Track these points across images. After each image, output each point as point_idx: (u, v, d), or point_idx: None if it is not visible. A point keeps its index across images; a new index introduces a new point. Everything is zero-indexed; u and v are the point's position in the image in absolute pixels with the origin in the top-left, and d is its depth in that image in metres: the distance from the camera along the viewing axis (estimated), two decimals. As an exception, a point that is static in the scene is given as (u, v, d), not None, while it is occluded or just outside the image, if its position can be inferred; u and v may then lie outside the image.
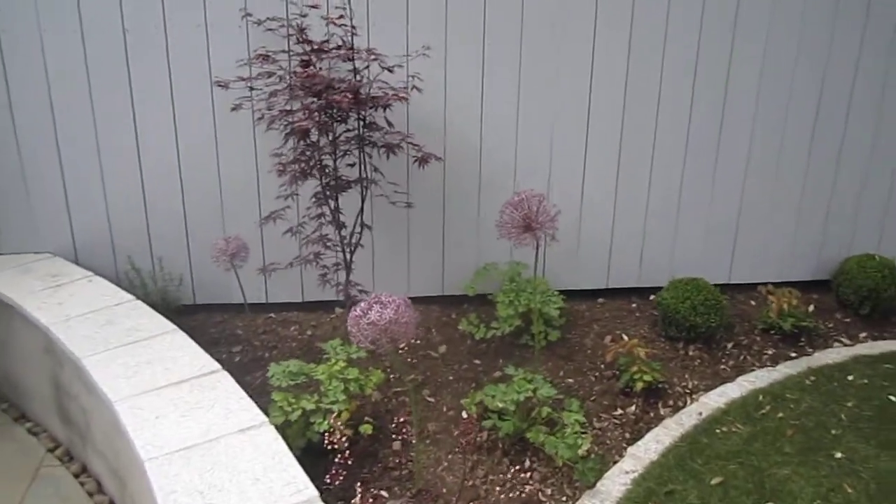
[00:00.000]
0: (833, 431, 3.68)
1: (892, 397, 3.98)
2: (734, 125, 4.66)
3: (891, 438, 3.64)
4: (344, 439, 2.86)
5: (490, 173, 4.51)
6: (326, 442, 2.87)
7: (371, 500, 2.79)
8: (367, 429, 3.32)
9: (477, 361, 4.17)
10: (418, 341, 4.34)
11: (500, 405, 3.33)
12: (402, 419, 3.42)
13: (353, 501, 2.87)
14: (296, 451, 3.17)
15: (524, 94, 4.39)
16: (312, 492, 2.43)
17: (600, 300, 4.90)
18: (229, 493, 2.43)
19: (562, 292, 4.67)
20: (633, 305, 4.87)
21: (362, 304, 2.80)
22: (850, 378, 4.16)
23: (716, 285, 4.86)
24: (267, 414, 3.23)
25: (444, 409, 3.75)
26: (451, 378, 4.01)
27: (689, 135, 4.64)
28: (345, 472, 2.81)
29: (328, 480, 2.80)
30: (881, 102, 4.77)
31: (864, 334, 4.69)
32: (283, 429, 3.23)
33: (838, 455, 3.51)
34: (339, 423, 3.00)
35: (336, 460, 2.80)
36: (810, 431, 3.68)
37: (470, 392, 3.69)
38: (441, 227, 4.58)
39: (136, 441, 2.73)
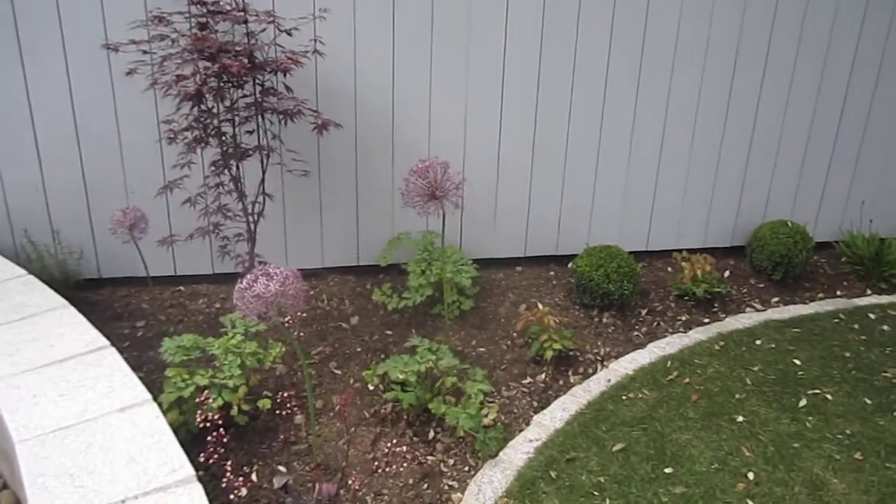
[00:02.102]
0: (737, 396, 3.73)
1: (796, 361, 4.05)
2: (650, 96, 4.65)
3: (791, 401, 3.70)
4: (217, 417, 2.77)
5: (403, 142, 4.42)
6: (199, 420, 2.78)
7: (241, 478, 2.71)
8: (265, 403, 3.24)
9: (388, 332, 4.11)
10: (333, 312, 4.26)
11: (401, 377, 3.28)
12: (303, 393, 3.35)
13: (224, 478, 2.80)
14: (194, 427, 3.10)
15: (437, 59, 4.29)
16: (189, 471, 2.35)
17: (518, 268, 4.87)
18: (101, 475, 2.33)
19: (479, 261, 4.64)
20: (551, 273, 4.85)
21: (248, 277, 2.70)
22: (759, 343, 4.21)
23: (634, 252, 4.89)
24: (161, 390, 3.14)
25: (351, 381, 3.69)
26: (359, 350, 3.94)
27: (604, 105, 4.60)
28: (222, 451, 2.72)
29: (202, 460, 2.70)
30: (792, 73, 4.80)
31: (776, 299, 4.76)
32: (178, 405, 3.15)
33: (740, 419, 3.55)
34: (208, 401, 2.90)
35: (210, 439, 2.70)
36: (715, 396, 3.72)
37: (372, 364, 3.62)
38: (354, 196, 4.48)
39: (10, 422, 2.61)
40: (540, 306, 4.40)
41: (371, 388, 3.57)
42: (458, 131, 4.47)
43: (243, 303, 2.67)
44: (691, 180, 4.93)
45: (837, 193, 5.23)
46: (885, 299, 4.80)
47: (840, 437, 3.46)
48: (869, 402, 3.73)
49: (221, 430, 2.72)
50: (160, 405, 2.97)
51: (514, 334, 4.13)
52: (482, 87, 4.40)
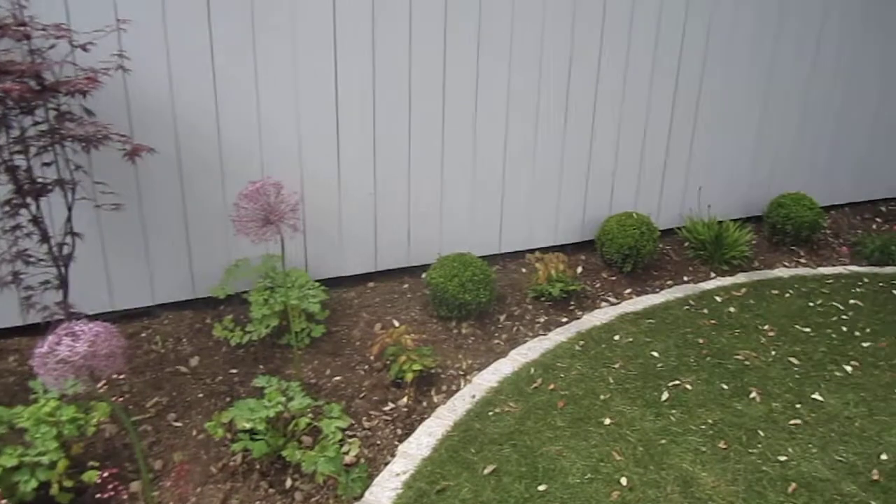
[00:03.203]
0: (602, 397, 3.67)
1: (654, 353, 4.06)
2: (490, 96, 4.53)
3: (654, 395, 3.68)
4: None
5: (233, 160, 4.05)
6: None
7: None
8: (91, 476, 2.81)
9: (233, 371, 3.75)
10: (169, 354, 3.84)
11: (248, 425, 2.95)
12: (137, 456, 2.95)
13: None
14: (5, 513, 2.64)
15: (261, 66, 3.95)
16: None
17: (371, 284, 4.63)
18: None
19: (328, 281, 4.38)
20: (405, 286, 4.64)
21: (50, 338, 2.30)
22: (617, 338, 4.19)
23: (487, 256, 4.79)
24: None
25: (194, 434, 3.31)
26: (201, 395, 3.56)
27: (444, 107, 4.44)
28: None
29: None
30: (626, 67, 4.84)
31: (628, 290, 4.79)
32: (-16, 491, 2.68)
33: (607, 422, 3.48)
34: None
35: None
36: (580, 400, 3.64)
37: (216, 413, 3.26)
38: (184, 224, 4.06)
39: None
40: (396, 324, 4.19)
41: (217, 438, 3.21)
42: (293, 144, 4.16)
43: (46, 370, 2.27)
44: (537, 178, 4.87)
45: (676, 181, 5.35)
46: (728, 281, 4.94)
47: (703, 427, 3.47)
48: (725, 387, 3.78)
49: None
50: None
51: (372, 358, 3.88)
52: (314, 92, 4.11)
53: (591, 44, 4.69)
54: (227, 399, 3.52)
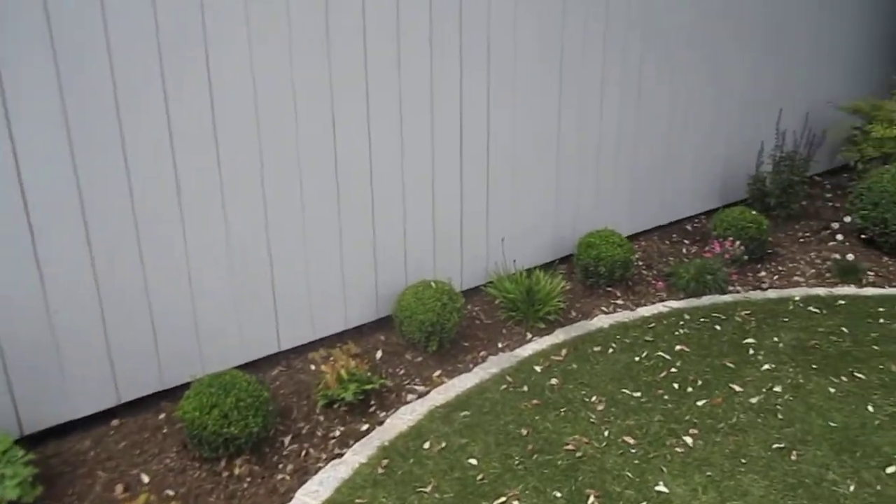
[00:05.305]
0: (413, 541, 2.91)
1: (472, 460, 3.36)
2: (227, 134, 3.67)
3: (477, 527, 2.98)
4: None
5: None
6: None
7: None
8: None
9: None
10: None
11: None
12: None
13: None
14: None
15: None
16: None
17: (115, 423, 3.60)
18: None
19: (52, 431, 3.37)
20: (161, 417, 3.66)
21: None
22: (427, 446, 3.46)
23: (267, 358, 3.97)
24: None
25: None
26: None
27: (179, 186, 3.53)
28: None
29: None
30: (400, 119, 4.17)
31: (438, 373, 4.09)
32: None
33: (421, 581, 2.73)
34: None
35: None
36: (386, 553, 2.86)
37: None
38: None
39: None
40: (145, 479, 3.23)
41: None
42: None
43: None
44: (311, 255, 4.04)
45: (476, 235, 4.73)
46: (546, 342, 4.37)
47: (538, 563, 2.80)
48: (559, 495, 3.15)
49: None
50: None
51: (107, 542, 2.90)
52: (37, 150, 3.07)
53: (356, 94, 3.97)
54: None
